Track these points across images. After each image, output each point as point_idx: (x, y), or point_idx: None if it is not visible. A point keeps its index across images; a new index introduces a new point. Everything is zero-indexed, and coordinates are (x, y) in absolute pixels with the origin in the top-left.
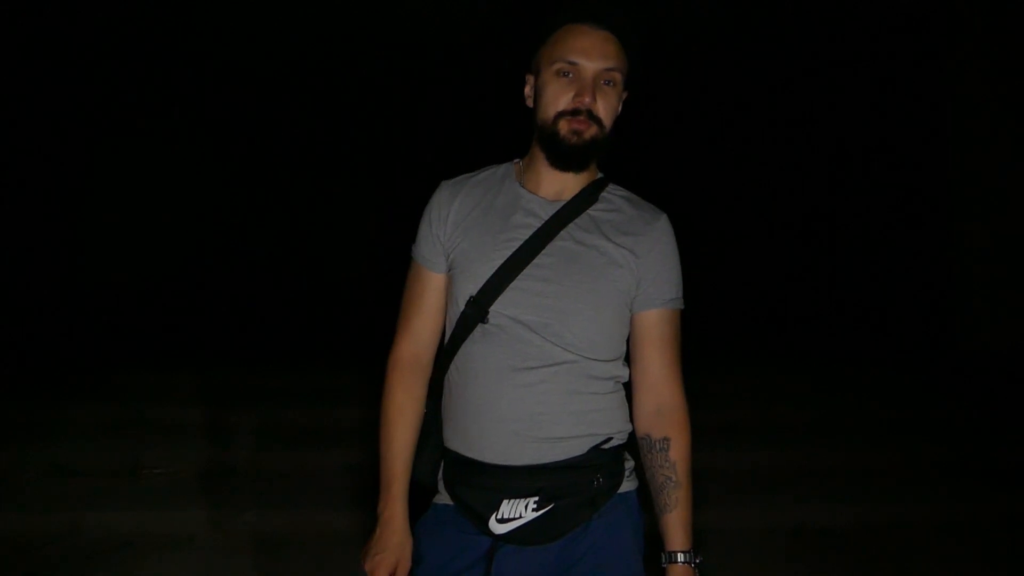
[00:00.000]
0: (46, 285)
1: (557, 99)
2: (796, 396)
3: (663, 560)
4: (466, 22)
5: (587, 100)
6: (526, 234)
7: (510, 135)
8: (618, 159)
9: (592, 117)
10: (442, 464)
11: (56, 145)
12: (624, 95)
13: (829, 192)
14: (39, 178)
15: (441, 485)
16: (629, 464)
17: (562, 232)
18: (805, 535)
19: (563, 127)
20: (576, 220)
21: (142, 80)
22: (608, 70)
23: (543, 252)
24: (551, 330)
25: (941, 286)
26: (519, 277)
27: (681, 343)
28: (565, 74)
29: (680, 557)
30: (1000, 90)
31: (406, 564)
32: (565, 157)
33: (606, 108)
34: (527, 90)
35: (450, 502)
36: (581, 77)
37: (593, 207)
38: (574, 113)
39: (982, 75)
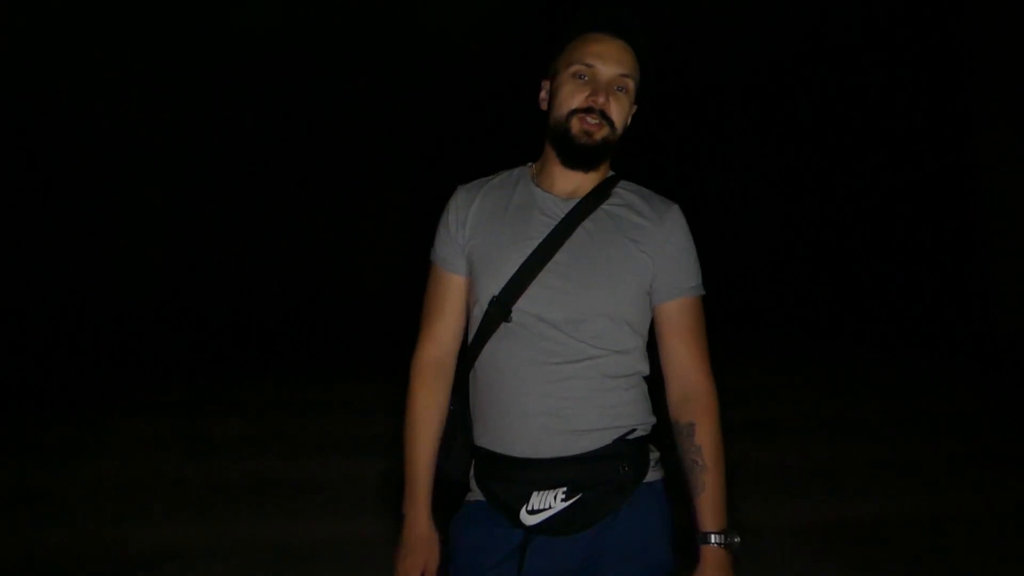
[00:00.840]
0: (88, 304)
1: (572, 97)
2: (823, 392)
3: (696, 540)
4: (483, 28)
5: (601, 100)
6: (544, 232)
7: (527, 140)
8: (630, 157)
9: (604, 118)
10: (473, 461)
11: (86, 164)
12: (634, 108)
13: (848, 186)
14: (76, 201)
15: (473, 483)
16: (654, 455)
17: (578, 229)
18: (837, 529)
19: (575, 125)
20: (591, 216)
21: (166, 90)
22: (623, 76)
23: (561, 250)
24: (573, 326)
25: (970, 281)
26: (540, 275)
27: (705, 327)
28: (581, 76)
29: (713, 538)
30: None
31: (435, 561)
32: (575, 155)
33: (618, 112)
34: (542, 95)
35: (481, 498)
36: (596, 79)
37: (607, 203)
38: (588, 111)
39: (1009, 63)
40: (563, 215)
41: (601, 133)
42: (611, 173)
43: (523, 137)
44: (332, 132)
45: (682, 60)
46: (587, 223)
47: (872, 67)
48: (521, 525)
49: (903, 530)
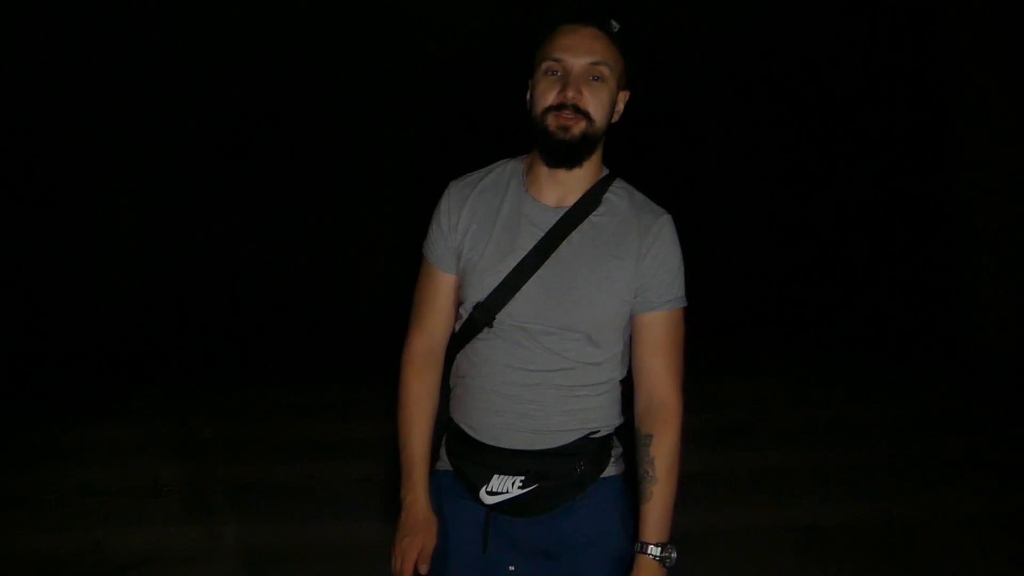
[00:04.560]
0: (66, 308)
1: (545, 96)
2: (805, 395)
3: (635, 549)
4: (477, 23)
5: (570, 94)
6: (530, 244)
7: (522, 136)
8: (632, 157)
9: (579, 111)
10: (445, 432)
11: (66, 165)
12: (625, 94)
13: (836, 189)
14: (55, 199)
15: (443, 451)
16: (616, 450)
17: (564, 242)
18: (817, 533)
19: (551, 122)
20: (579, 228)
21: (156, 89)
22: (594, 64)
23: (546, 263)
24: (550, 338)
25: (950, 281)
26: (524, 287)
27: (683, 338)
28: (553, 72)
29: (650, 550)
30: (1007, 85)
31: (431, 543)
32: (555, 153)
33: (595, 103)
34: (528, 96)
35: (450, 468)
36: (567, 73)
37: (595, 213)
38: (560, 107)
39: (989, 70)
40: (551, 225)
41: (578, 127)
42: (605, 172)
43: (518, 134)
44: (319, 131)
45: (671, 66)
46: (574, 235)
47: (855, 74)
48: (480, 503)
49: (886, 533)
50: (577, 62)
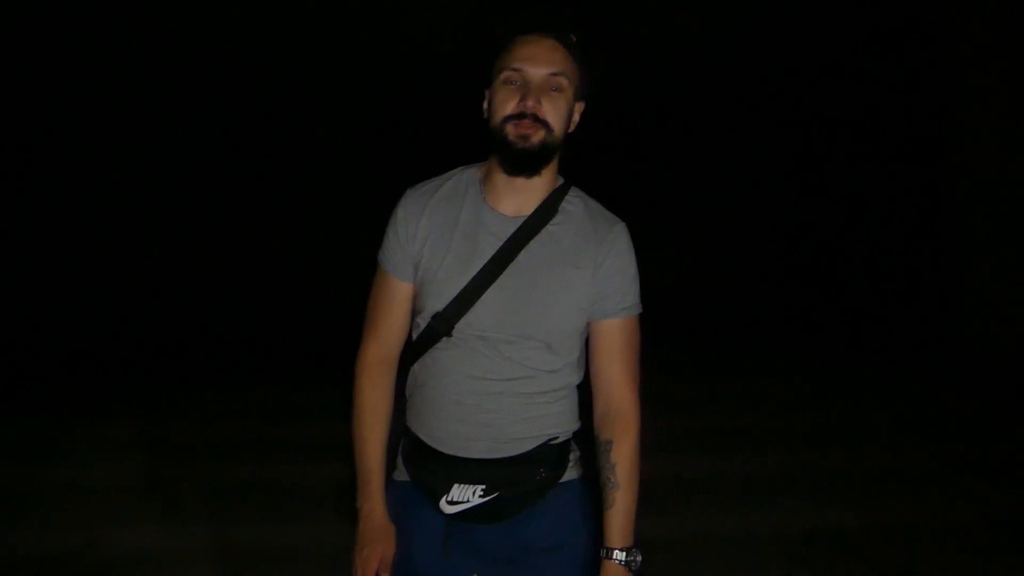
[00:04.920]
0: (61, 305)
1: (504, 105)
2: (802, 399)
3: (600, 555)
4: (456, 28)
5: (530, 104)
6: (489, 253)
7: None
8: (627, 160)
9: (538, 120)
10: (402, 441)
11: (65, 162)
12: (580, 106)
13: (833, 192)
14: (53, 196)
15: (400, 461)
16: (574, 454)
17: (522, 252)
18: (815, 539)
19: (510, 131)
20: (536, 237)
21: (150, 88)
22: (553, 75)
23: (505, 273)
24: (510, 347)
25: (947, 285)
26: (483, 296)
27: (639, 344)
28: (512, 82)
29: (615, 555)
30: (1006, 86)
31: (391, 552)
32: (515, 162)
33: (554, 113)
34: (485, 104)
35: (407, 478)
36: (526, 82)
37: (552, 222)
38: (519, 116)
39: (988, 70)
40: (509, 235)
41: (537, 136)
42: (561, 181)
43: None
44: (317, 132)
45: (672, 71)
46: (532, 244)
47: (852, 75)
48: (440, 512)
49: (880, 539)
50: (537, 72)
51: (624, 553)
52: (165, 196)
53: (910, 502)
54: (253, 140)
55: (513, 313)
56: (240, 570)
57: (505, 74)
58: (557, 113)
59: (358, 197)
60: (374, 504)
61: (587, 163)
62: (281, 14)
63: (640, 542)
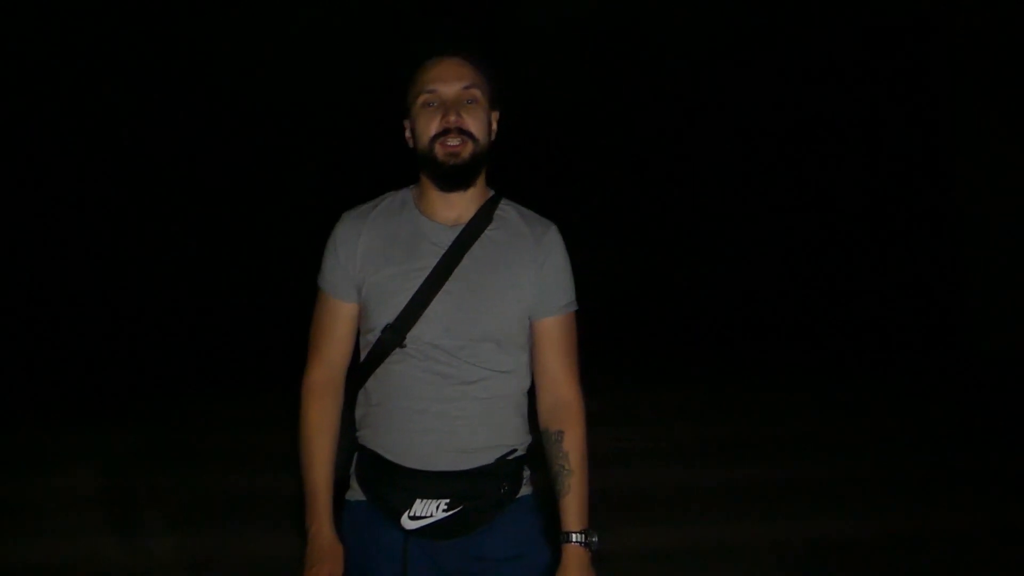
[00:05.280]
0: (67, 315)
1: (428, 126)
2: (804, 407)
3: (560, 539)
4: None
5: (453, 118)
6: (432, 262)
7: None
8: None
9: (463, 132)
10: (354, 460)
11: (66, 169)
12: (496, 115)
13: (834, 200)
14: (52, 202)
15: (354, 480)
16: (527, 473)
17: (464, 258)
18: (821, 549)
19: (439, 150)
20: (476, 243)
21: (125, 96)
22: (466, 88)
23: (451, 278)
24: (466, 351)
25: (949, 291)
26: (432, 304)
27: (576, 341)
28: (430, 103)
29: (574, 537)
30: (1005, 92)
31: (339, 571)
32: (448, 178)
33: (475, 123)
34: (407, 134)
35: (362, 497)
36: (443, 100)
37: (489, 228)
38: (445, 133)
39: (986, 77)
40: (450, 243)
41: (467, 150)
42: (492, 193)
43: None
44: (302, 145)
45: (664, 75)
46: (473, 250)
47: (854, 81)
48: (401, 528)
49: (886, 548)
50: (450, 88)
51: (583, 535)
52: (157, 206)
53: (916, 510)
54: (249, 152)
55: (463, 317)
56: None
57: (422, 97)
58: (478, 123)
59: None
60: (321, 524)
61: (588, 174)
62: (276, 30)
63: (644, 550)
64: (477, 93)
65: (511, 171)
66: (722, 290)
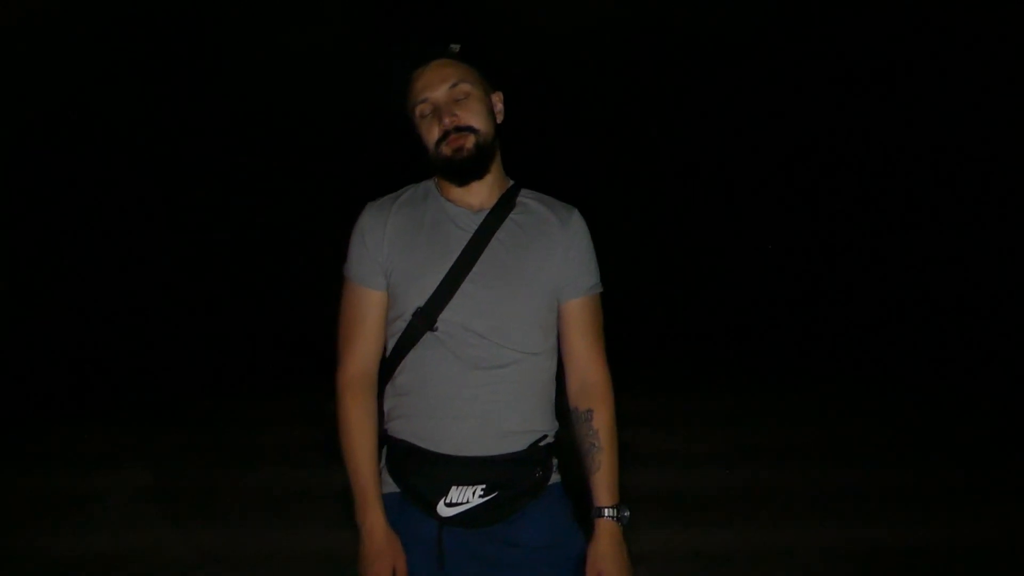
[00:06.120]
0: (125, 318)
1: (430, 134)
2: (836, 414)
3: (592, 515)
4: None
5: (447, 121)
6: (460, 245)
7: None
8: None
9: (462, 129)
10: (384, 452)
11: (69, 171)
12: (499, 95)
13: (849, 206)
14: (114, 210)
15: (385, 473)
16: (555, 461)
17: (492, 240)
18: (879, 556)
19: (445, 151)
20: (502, 226)
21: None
22: (453, 86)
23: (479, 260)
24: (498, 333)
25: (975, 302)
26: (462, 286)
27: (602, 322)
28: (425, 113)
29: (606, 512)
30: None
31: (402, 562)
32: (461, 172)
33: (471, 115)
34: (423, 146)
35: (394, 489)
36: (436, 106)
37: (513, 213)
38: (445, 136)
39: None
40: (476, 227)
41: (470, 142)
42: (511, 183)
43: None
44: (297, 142)
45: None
46: (500, 233)
47: (870, 78)
48: (436, 516)
49: (916, 557)
50: (438, 92)
51: (614, 510)
52: (191, 210)
53: (952, 520)
54: (278, 149)
55: (494, 298)
56: (304, 573)
57: (418, 109)
58: (475, 114)
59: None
60: (376, 518)
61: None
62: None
63: (681, 552)
64: (467, 87)
65: (531, 166)
66: (747, 299)
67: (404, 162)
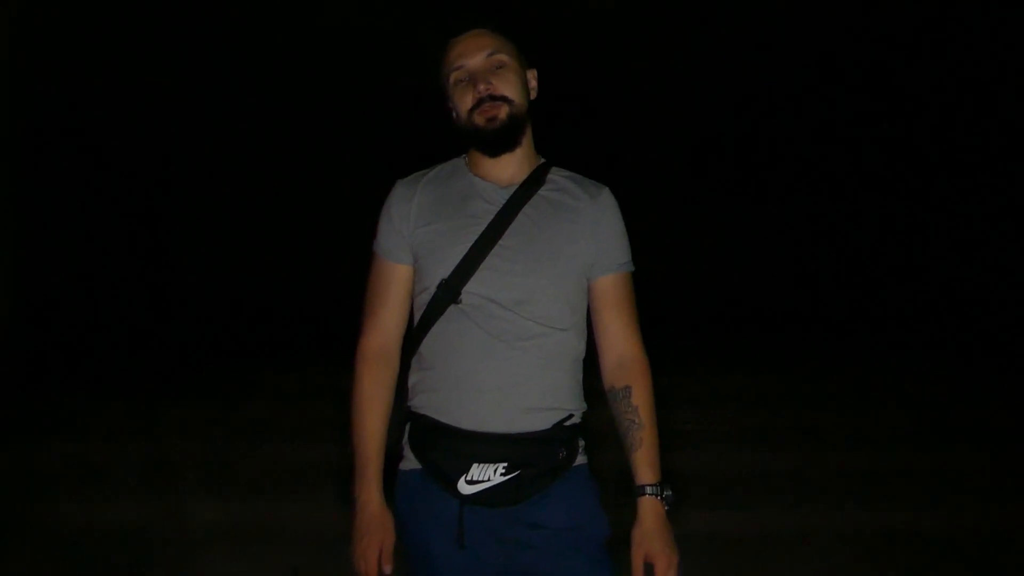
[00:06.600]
0: (140, 290)
1: (463, 101)
2: (890, 395)
3: (634, 494)
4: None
5: (483, 87)
6: (487, 218)
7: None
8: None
9: (496, 98)
10: (407, 429)
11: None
12: (534, 72)
13: (869, 189)
14: (122, 185)
15: (407, 450)
16: (582, 443)
17: (519, 214)
18: (897, 539)
19: (478, 119)
20: (531, 202)
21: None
22: (490, 55)
23: (506, 234)
24: (523, 307)
25: (1009, 288)
26: (487, 258)
27: (635, 300)
28: (461, 80)
29: (648, 490)
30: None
31: (390, 540)
32: (493, 142)
33: (507, 85)
34: (452, 114)
35: (416, 466)
36: (471, 73)
37: (543, 189)
38: (479, 103)
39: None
40: (504, 202)
41: (503, 112)
42: (542, 160)
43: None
44: (300, 124)
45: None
46: (527, 208)
47: (898, 69)
48: (457, 494)
49: (947, 542)
50: (475, 60)
51: (657, 487)
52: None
53: (980, 505)
54: (300, 132)
55: (521, 270)
56: (316, 546)
57: (452, 76)
58: (510, 85)
59: (357, 195)
60: (371, 493)
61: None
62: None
63: (709, 534)
64: (504, 57)
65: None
66: (770, 272)
67: (422, 148)
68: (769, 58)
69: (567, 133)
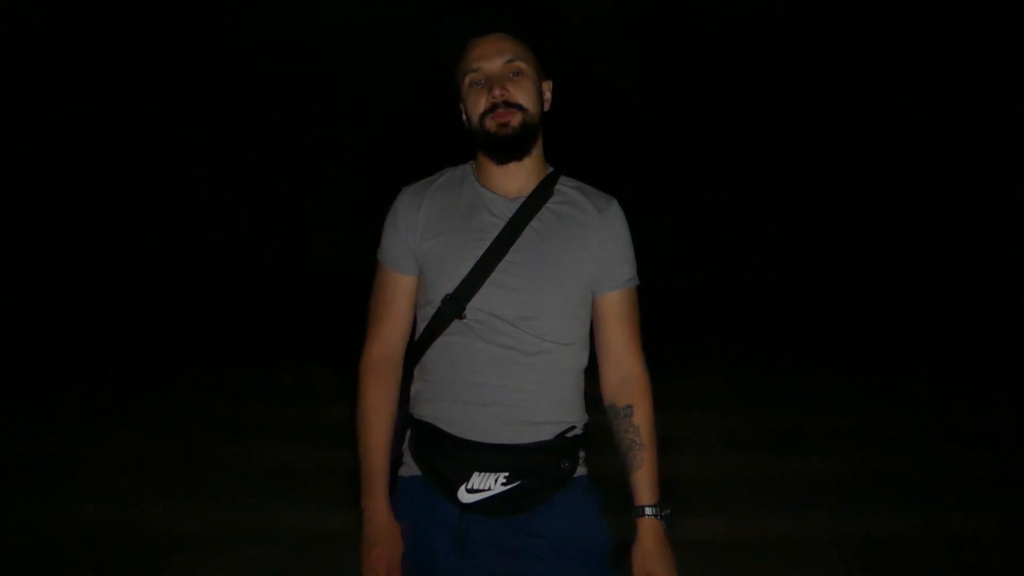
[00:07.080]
0: (110, 284)
1: (477, 104)
2: (855, 401)
3: (633, 514)
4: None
5: (498, 92)
6: (494, 233)
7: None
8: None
9: (511, 105)
10: (407, 435)
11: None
12: (549, 83)
13: (880, 189)
14: (97, 180)
15: (408, 456)
16: (582, 454)
17: (526, 228)
18: (875, 546)
19: (490, 124)
20: (538, 215)
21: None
22: (509, 62)
23: (512, 249)
24: (527, 323)
25: (1008, 289)
26: (493, 274)
27: (639, 315)
28: (476, 82)
29: (648, 511)
30: None
31: (398, 551)
32: (502, 149)
33: (522, 94)
34: (463, 116)
35: (416, 472)
36: (488, 77)
37: (551, 201)
38: (493, 108)
39: None
40: (511, 215)
41: (516, 119)
42: (550, 169)
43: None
44: (294, 123)
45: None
46: (534, 222)
47: (902, 69)
48: (457, 502)
49: (936, 547)
50: (493, 64)
51: (656, 508)
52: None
53: (973, 509)
54: (302, 133)
55: (526, 287)
56: (292, 550)
57: (468, 77)
58: (525, 93)
59: (352, 197)
60: (379, 504)
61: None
62: (287, 19)
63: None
64: (522, 65)
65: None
66: (767, 283)
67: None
68: (769, 59)
69: (568, 134)
